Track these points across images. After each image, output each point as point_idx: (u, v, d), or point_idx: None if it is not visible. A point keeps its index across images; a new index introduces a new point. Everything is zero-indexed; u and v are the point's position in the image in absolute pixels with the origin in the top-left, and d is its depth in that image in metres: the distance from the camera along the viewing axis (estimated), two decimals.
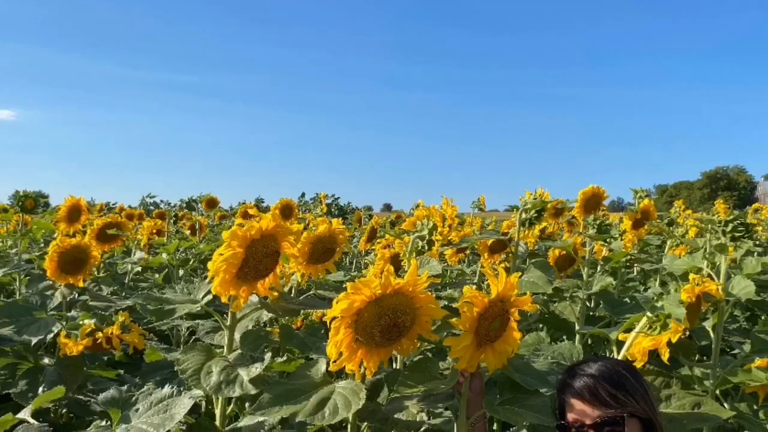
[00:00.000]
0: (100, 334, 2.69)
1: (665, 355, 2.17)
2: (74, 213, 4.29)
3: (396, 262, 2.98)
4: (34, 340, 2.63)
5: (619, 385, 1.84)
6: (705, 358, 3.23)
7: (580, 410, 1.84)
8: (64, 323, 2.76)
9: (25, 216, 4.44)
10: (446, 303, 1.96)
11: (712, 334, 2.48)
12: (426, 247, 2.48)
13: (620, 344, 2.34)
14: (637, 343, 2.24)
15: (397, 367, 2.19)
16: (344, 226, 2.61)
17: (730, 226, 2.59)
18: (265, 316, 2.30)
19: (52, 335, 2.69)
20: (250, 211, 2.23)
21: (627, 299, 3.53)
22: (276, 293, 2.06)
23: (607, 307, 3.32)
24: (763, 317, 3.59)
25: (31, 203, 4.14)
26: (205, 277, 2.07)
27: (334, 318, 1.67)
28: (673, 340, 2.18)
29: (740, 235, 2.57)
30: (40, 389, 2.54)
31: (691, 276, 2.39)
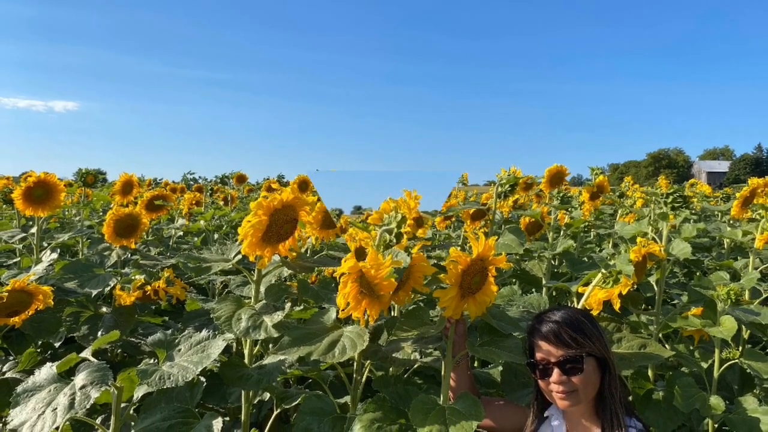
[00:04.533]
0: (148, 287, 2.69)
1: (617, 305, 2.16)
2: (127, 187, 4.27)
3: None
4: (94, 292, 2.62)
5: (578, 330, 1.82)
6: (650, 307, 3.22)
7: (547, 350, 1.83)
8: (119, 278, 2.75)
9: (86, 189, 4.43)
10: (435, 262, 1.93)
11: (655, 288, 2.47)
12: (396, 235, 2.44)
13: (579, 296, 2.33)
14: (593, 294, 2.23)
15: (395, 315, 2.19)
16: None
17: (671, 198, 2.57)
18: (286, 272, 2.28)
19: (109, 288, 2.69)
20: (273, 186, 2.21)
21: (585, 258, 3.50)
22: (294, 253, 2.04)
23: (568, 265, 3.30)
24: (697, 273, 3.58)
25: (91, 179, 4.13)
26: (236, 240, 2.05)
27: (342, 274, 1.66)
28: (624, 292, 2.16)
29: (679, 206, 2.55)
30: (99, 333, 2.53)
31: (639, 239, 2.37)
